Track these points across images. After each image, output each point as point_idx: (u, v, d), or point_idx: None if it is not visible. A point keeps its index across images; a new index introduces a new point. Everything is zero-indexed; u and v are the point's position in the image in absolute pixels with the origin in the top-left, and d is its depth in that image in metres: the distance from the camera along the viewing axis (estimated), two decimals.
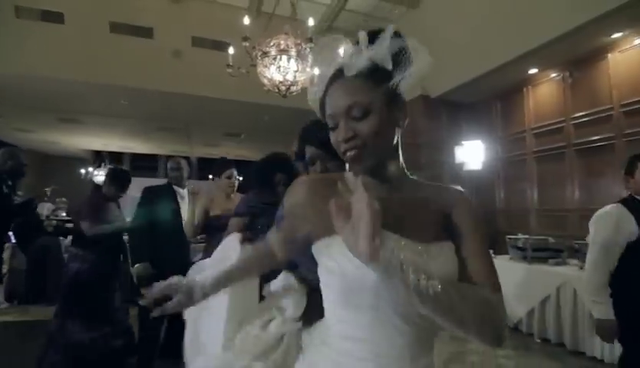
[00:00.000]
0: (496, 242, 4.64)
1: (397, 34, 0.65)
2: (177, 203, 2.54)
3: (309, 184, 0.76)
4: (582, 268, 3.17)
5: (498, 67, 4.54)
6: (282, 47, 3.00)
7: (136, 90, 5.70)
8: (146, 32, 5.56)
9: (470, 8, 4.65)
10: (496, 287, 0.65)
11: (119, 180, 2.71)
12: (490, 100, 5.51)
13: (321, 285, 0.72)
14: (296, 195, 0.76)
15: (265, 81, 3.31)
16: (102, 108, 6.67)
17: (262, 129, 8.38)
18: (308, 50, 2.93)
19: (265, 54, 3.05)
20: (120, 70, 5.34)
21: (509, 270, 3.73)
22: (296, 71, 3.10)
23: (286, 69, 3.17)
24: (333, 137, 0.68)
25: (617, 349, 2.75)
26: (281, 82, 3.26)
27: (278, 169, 1.74)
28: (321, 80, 0.70)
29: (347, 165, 0.74)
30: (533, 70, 4.75)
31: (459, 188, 0.73)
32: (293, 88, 3.15)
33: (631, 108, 3.86)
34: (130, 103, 6.37)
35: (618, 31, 3.80)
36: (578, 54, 4.21)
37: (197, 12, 5.81)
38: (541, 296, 3.33)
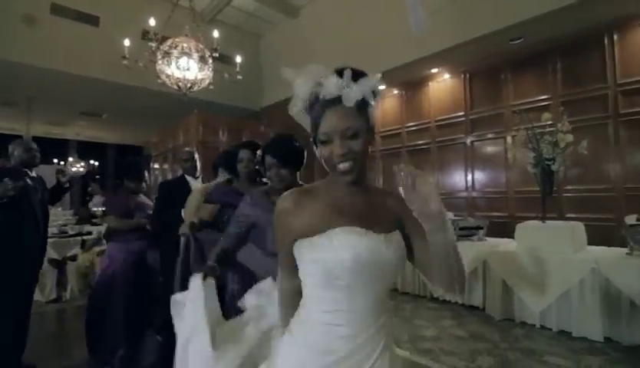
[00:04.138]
0: None
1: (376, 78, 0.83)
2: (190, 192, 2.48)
3: (294, 196, 0.90)
4: None
5: None
6: (184, 49, 3.22)
7: None
8: None
9: (337, 31, 5.61)
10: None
11: None
12: None
13: (302, 274, 0.87)
14: (286, 207, 0.90)
15: (164, 77, 3.45)
16: None
17: (126, 111, 7.79)
18: (211, 60, 3.25)
19: (168, 53, 3.21)
20: None
21: None
22: (198, 72, 3.37)
23: (185, 68, 3.40)
24: (327, 150, 0.82)
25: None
26: (178, 79, 3.47)
27: (257, 157, 1.80)
28: (307, 100, 0.84)
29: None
30: (382, 87, 6.08)
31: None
32: (195, 87, 3.41)
33: (441, 123, 5.51)
34: None
35: (435, 68, 5.35)
36: (411, 80, 5.67)
37: None
38: None
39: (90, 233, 5.02)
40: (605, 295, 2.85)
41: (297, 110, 0.86)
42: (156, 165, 7.10)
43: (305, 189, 0.93)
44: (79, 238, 4.74)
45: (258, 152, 1.66)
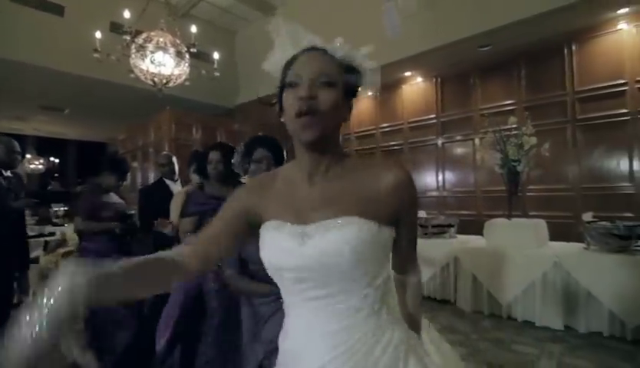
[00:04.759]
0: None
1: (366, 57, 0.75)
2: (171, 196, 2.45)
3: (258, 180, 0.86)
4: None
5: None
6: (159, 44, 3.13)
7: None
8: None
9: (312, 31, 5.63)
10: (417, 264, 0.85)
11: None
12: None
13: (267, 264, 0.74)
14: (246, 187, 0.85)
15: (137, 72, 3.34)
16: None
17: (90, 106, 7.42)
18: (188, 56, 3.18)
19: (143, 47, 3.11)
20: None
21: None
22: (174, 68, 3.29)
23: (161, 63, 3.31)
24: (292, 94, 0.68)
25: None
26: (153, 74, 3.37)
27: (229, 159, 1.81)
28: (287, 50, 0.72)
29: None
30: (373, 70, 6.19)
31: (399, 165, 0.76)
32: (171, 83, 3.32)
33: (413, 125, 5.68)
34: None
35: (408, 71, 5.51)
36: (386, 82, 5.77)
37: None
38: None
39: (52, 234, 4.75)
40: (565, 287, 3.07)
41: (274, 62, 0.74)
42: None
43: (270, 173, 0.85)
44: (41, 239, 4.48)
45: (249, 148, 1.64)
